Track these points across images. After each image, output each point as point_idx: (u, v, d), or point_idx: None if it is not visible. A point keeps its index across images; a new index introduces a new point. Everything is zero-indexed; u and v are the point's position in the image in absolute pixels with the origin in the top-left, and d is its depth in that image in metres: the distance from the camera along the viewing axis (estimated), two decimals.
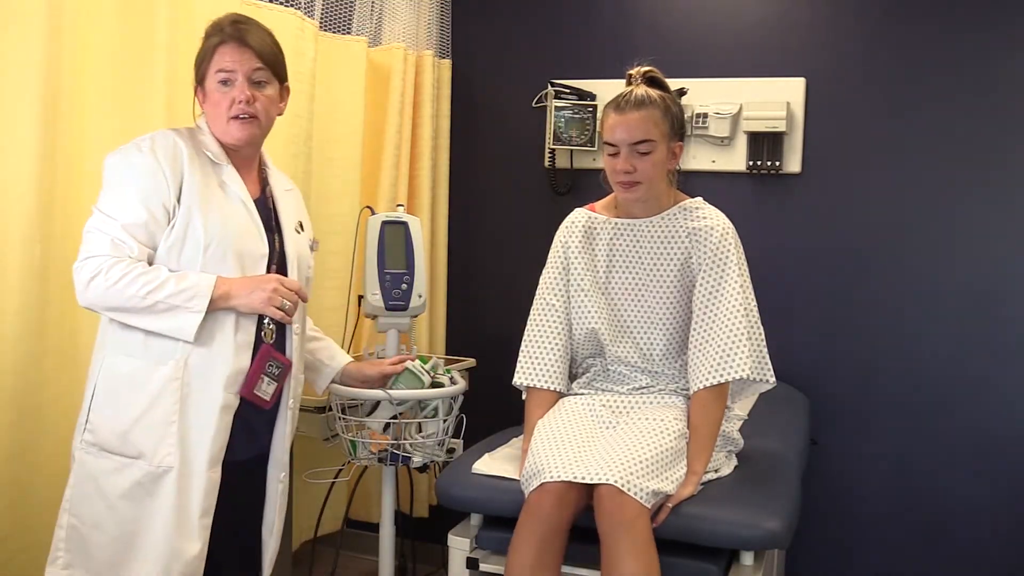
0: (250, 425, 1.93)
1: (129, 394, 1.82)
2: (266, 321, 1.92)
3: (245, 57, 1.88)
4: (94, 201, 1.87)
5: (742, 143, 2.99)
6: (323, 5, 2.87)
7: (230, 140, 1.91)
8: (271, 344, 1.93)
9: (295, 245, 2.02)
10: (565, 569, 1.93)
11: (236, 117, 1.88)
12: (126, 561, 1.81)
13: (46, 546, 1.90)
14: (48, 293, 1.99)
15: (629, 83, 2.15)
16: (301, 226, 2.09)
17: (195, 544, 1.82)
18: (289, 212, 2.04)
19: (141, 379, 1.82)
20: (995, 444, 2.82)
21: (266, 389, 1.92)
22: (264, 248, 1.93)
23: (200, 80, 1.92)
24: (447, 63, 3.34)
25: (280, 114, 2.01)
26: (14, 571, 1.97)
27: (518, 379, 2.24)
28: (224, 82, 1.88)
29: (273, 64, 1.94)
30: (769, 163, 2.96)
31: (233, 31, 1.89)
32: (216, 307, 1.82)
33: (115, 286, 1.75)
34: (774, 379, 2.14)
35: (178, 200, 1.82)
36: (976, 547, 2.86)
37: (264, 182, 2.03)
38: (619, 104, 2.10)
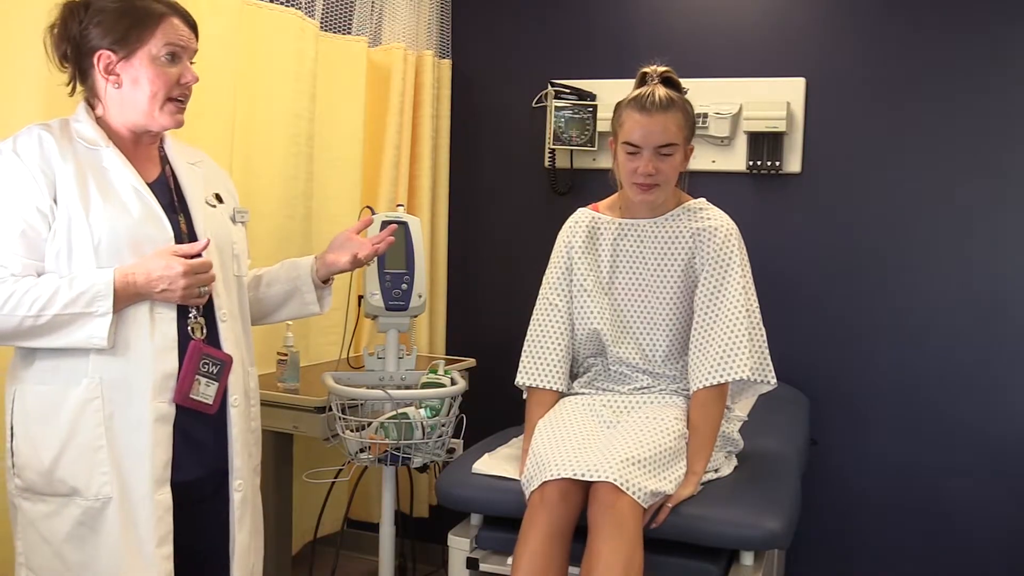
0: (194, 437, 1.71)
1: (44, 427, 1.61)
2: (191, 315, 1.71)
3: (192, 37, 1.71)
4: None
5: (742, 143, 2.99)
6: (323, 5, 2.87)
7: (155, 125, 1.70)
8: (202, 339, 1.71)
9: (209, 221, 1.78)
10: (574, 570, 1.92)
11: (175, 99, 1.69)
12: None
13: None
14: None
15: (643, 82, 2.13)
16: (219, 198, 1.85)
17: (149, 571, 1.63)
18: (195, 187, 1.79)
19: (54, 407, 1.61)
20: (995, 444, 2.82)
21: (205, 391, 1.69)
22: (167, 232, 1.69)
23: (129, 50, 1.64)
24: (447, 63, 3.34)
25: None
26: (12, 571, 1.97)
27: (521, 379, 2.24)
28: (172, 56, 1.66)
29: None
30: (769, 163, 2.96)
31: (176, 6, 1.69)
32: (125, 301, 1.61)
33: (2, 311, 1.54)
34: (775, 380, 2.13)
35: (55, 200, 1.59)
36: (976, 547, 2.86)
37: (164, 161, 1.78)
38: (643, 105, 2.06)
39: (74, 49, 1.67)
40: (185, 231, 1.73)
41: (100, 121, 1.70)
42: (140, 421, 1.63)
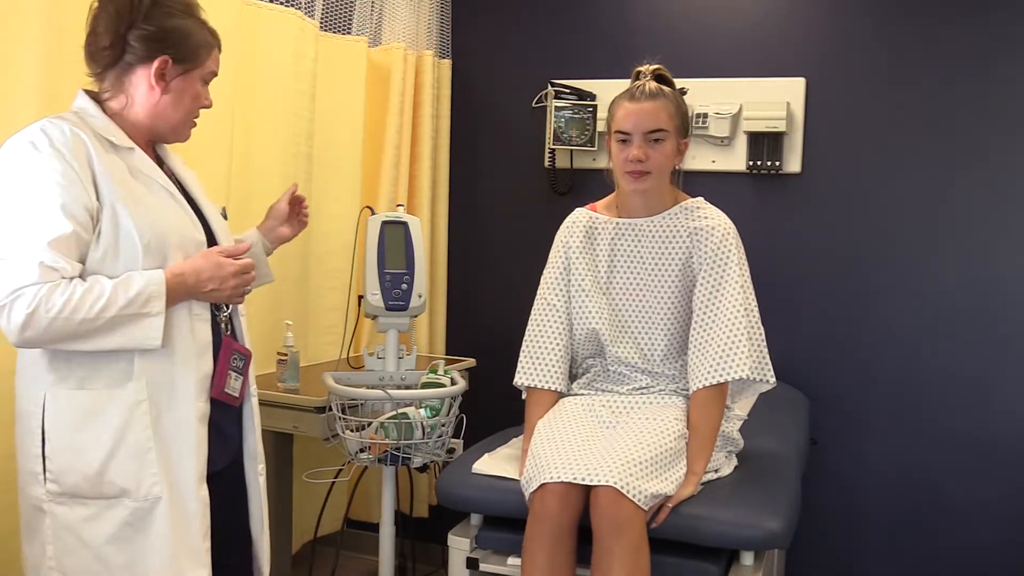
0: (222, 429, 1.77)
1: (89, 431, 1.61)
2: (221, 312, 1.77)
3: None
4: None
5: (742, 143, 2.99)
6: (323, 5, 2.87)
7: (174, 139, 1.77)
8: (229, 335, 1.78)
9: (217, 221, 1.83)
10: (576, 571, 1.93)
11: (194, 118, 1.79)
12: None
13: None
14: None
15: (637, 79, 2.15)
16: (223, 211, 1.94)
17: (201, 572, 1.68)
18: (197, 187, 1.84)
19: (97, 411, 1.61)
20: (995, 444, 2.82)
21: (234, 385, 1.77)
22: (202, 232, 1.74)
23: (188, 67, 1.70)
24: (447, 63, 3.34)
25: None
26: (17, 571, 1.97)
27: (519, 379, 2.24)
28: (204, 83, 1.77)
29: None
30: (769, 163, 2.96)
31: (217, 39, 1.79)
32: (174, 301, 1.63)
33: (60, 315, 1.51)
34: (774, 379, 2.14)
35: (98, 200, 1.58)
36: (976, 547, 2.86)
37: (159, 161, 1.79)
38: (632, 94, 2.11)
39: (125, 40, 1.66)
40: (206, 230, 1.78)
41: (115, 118, 1.70)
42: (185, 421, 1.67)
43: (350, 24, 3.01)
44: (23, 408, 1.65)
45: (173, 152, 1.87)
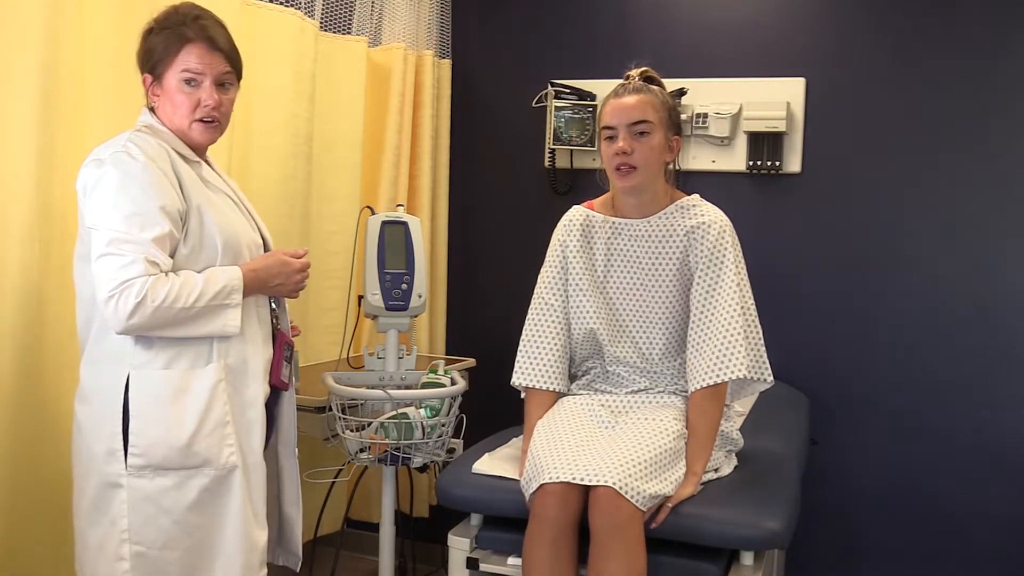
0: (271, 413, 1.98)
1: (177, 407, 1.78)
2: (273, 307, 1.98)
3: (215, 60, 1.83)
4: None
5: (742, 143, 2.99)
6: (323, 5, 2.87)
7: (191, 141, 1.87)
8: (279, 329, 2.00)
9: (265, 226, 2.05)
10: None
11: (201, 120, 1.84)
12: (203, 567, 1.82)
13: (46, 545, 1.90)
14: (47, 292, 1.98)
15: (627, 81, 2.17)
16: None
17: (264, 533, 1.90)
18: (242, 193, 2.04)
19: (182, 389, 1.79)
20: (995, 444, 2.82)
21: (286, 373, 1.99)
22: (259, 237, 1.97)
23: (157, 74, 1.83)
24: (447, 63, 3.34)
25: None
26: (14, 570, 1.97)
27: (516, 379, 2.24)
28: (189, 82, 1.81)
29: (238, 66, 1.90)
30: (769, 163, 2.96)
31: (200, 29, 1.82)
32: (247, 294, 1.85)
33: (163, 305, 1.71)
34: (772, 378, 2.14)
35: (185, 202, 1.79)
36: (976, 547, 2.86)
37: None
38: (617, 92, 2.14)
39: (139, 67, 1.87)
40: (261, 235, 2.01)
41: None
42: (254, 399, 1.88)
43: (350, 24, 3.01)
44: (98, 391, 1.79)
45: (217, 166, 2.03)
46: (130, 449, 1.76)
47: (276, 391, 2.00)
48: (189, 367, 1.80)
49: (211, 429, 1.80)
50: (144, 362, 1.78)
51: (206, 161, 1.96)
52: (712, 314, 2.10)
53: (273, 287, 1.93)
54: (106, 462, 1.77)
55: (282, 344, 1.98)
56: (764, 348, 2.14)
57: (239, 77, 1.92)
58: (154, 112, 1.88)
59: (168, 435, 1.77)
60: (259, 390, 1.89)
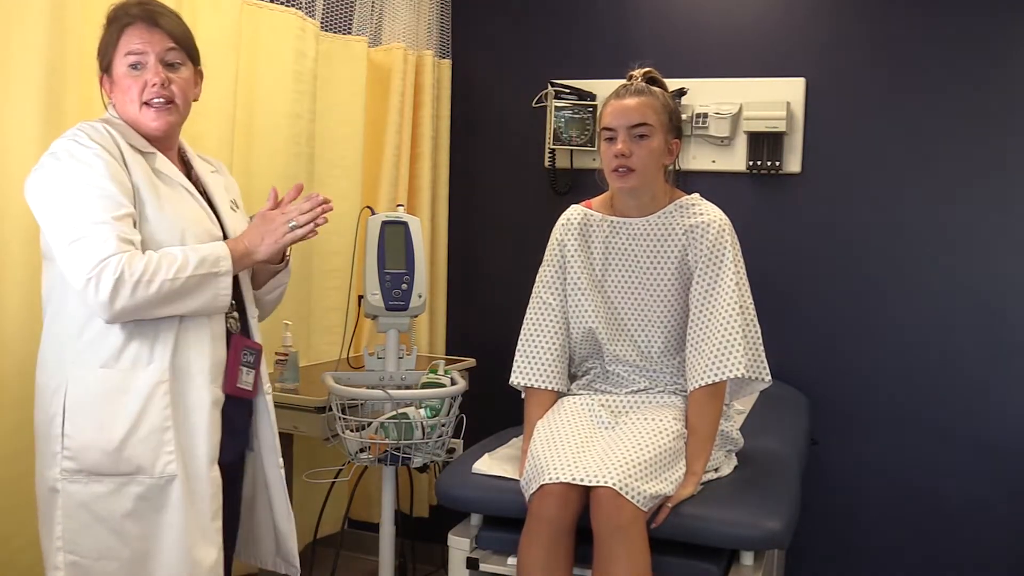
0: (234, 423, 1.86)
1: (111, 408, 1.68)
2: (230, 311, 1.83)
3: (156, 38, 1.74)
4: None
5: (742, 143, 2.99)
6: (323, 5, 2.87)
7: (146, 129, 1.77)
8: (238, 333, 1.86)
9: (234, 224, 1.90)
10: (574, 571, 1.93)
11: (149, 103, 1.74)
12: None
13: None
14: None
15: (629, 82, 2.17)
16: (236, 204, 1.97)
17: (211, 551, 1.76)
18: (220, 192, 1.92)
19: (120, 390, 1.69)
20: (995, 444, 2.82)
21: (246, 379, 1.85)
22: (218, 230, 1.83)
23: (106, 68, 1.77)
24: (447, 63, 3.34)
25: (196, 99, 1.86)
26: (16, 570, 1.97)
27: (515, 379, 2.24)
28: (134, 66, 1.73)
29: (186, 45, 1.80)
30: (769, 163, 2.96)
31: (140, 12, 1.75)
32: (241, 264, 1.79)
33: (143, 279, 1.62)
34: (770, 377, 2.14)
35: (134, 192, 1.70)
36: (976, 547, 2.86)
37: (187, 166, 1.90)
38: (619, 93, 2.13)
39: None
40: (222, 231, 1.86)
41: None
42: (200, 404, 1.75)
43: (350, 24, 3.01)
44: (45, 391, 1.73)
45: (204, 158, 1.97)
46: (63, 452, 1.68)
47: (246, 403, 1.89)
48: (130, 366, 1.69)
49: (146, 434, 1.69)
50: (84, 361, 1.70)
51: (181, 153, 1.89)
52: (711, 313, 2.10)
53: (269, 245, 1.80)
54: (47, 466, 1.71)
55: (239, 347, 1.83)
56: (762, 347, 2.14)
57: (192, 58, 1.82)
58: (115, 109, 1.81)
59: (99, 438, 1.68)
60: (205, 395, 1.75)
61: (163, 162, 1.79)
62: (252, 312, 1.92)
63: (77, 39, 2.02)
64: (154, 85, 1.73)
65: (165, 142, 1.83)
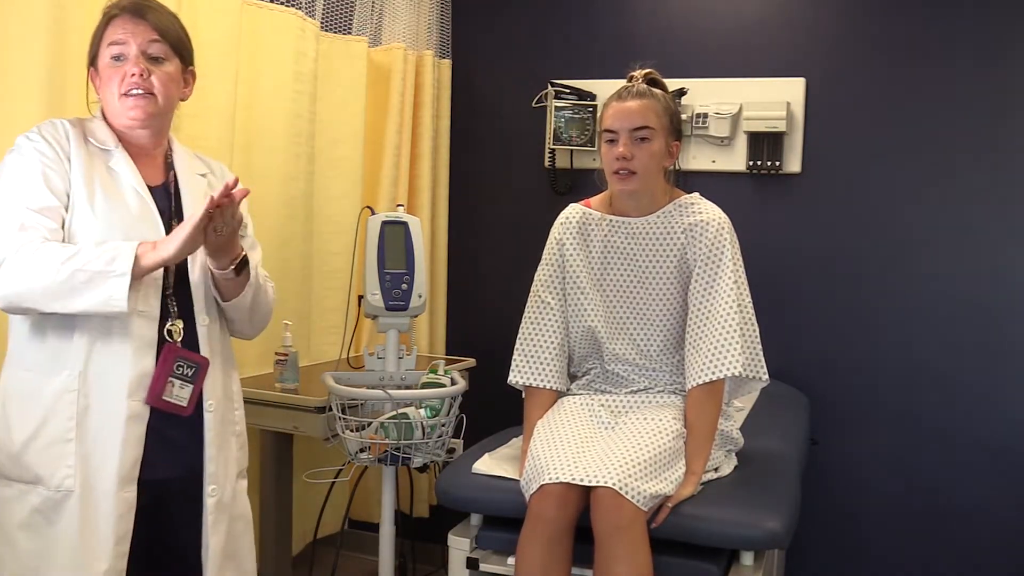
0: (168, 437, 1.71)
1: (21, 411, 1.64)
2: (170, 318, 1.72)
3: (139, 29, 1.70)
4: None
5: (742, 143, 2.99)
6: (324, 5, 2.87)
7: (125, 121, 1.72)
8: (179, 342, 1.72)
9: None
10: (574, 571, 1.93)
11: (127, 93, 1.69)
12: None
13: None
14: None
15: (630, 82, 2.17)
16: None
17: (100, 566, 1.62)
18: (195, 196, 1.80)
19: (34, 393, 1.63)
20: (995, 444, 2.82)
21: (179, 394, 1.70)
22: (160, 233, 1.71)
23: (93, 60, 1.74)
24: (447, 63, 3.34)
25: (184, 99, 1.82)
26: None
27: (514, 378, 2.24)
28: (117, 57, 1.70)
29: (173, 41, 1.75)
30: (769, 163, 2.96)
31: (128, 4, 1.72)
32: (144, 266, 1.61)
33: (27, 264, 1.55)
34: (767, 376, 2.14)
35: (69, 187, 1.66)
36: (976, 547, 2.86)
37: (169, 167, 1.82)
38: (620, 94, 2.13)
39: None
40: None
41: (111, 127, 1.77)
42: (113, 418, 1.64)
43: (350, 24, 3.01)
44: None
45: (194, 161, 1.88)
46: None
47: (190, 416, 1.73)
48: (45, 371, 1.64)
49: (47, 443, 1.62)
50: (15, 360, 1.68)
51: (167, 153, 1.82)
52: (709, 311, 2.10)
53: (173, 243, 1.61)
54: None
55: (171, 359, 1.69)
56: (760, 346, 2.14)
57: (180, 56, 1.76)
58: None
59: (7, 439, 1.64)
60: (122, 408, 1.64)
61: (119, 161, 1.72)
62: (202, 321, 1.77)
63: (78, 38, 2.01)
64: (132, 75, 1.69)
65: (145, 139, 1.77)
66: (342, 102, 2.97)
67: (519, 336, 2.27)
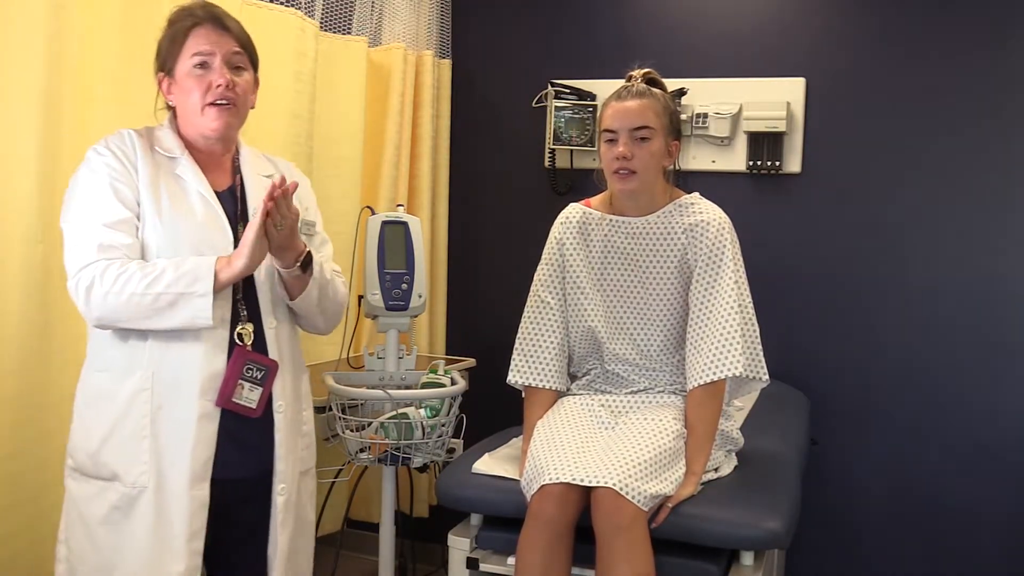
0: (240, 437, 1.77)
1: (98, 411, 1.71)
2: (240, 321, 1.77)
3: (224, 39, 1.76)
4: None
5: (742, 143, 2.99)
6: (323, 5, 2.87)
7: (205, 131, 1.77)
8: (249, 345, 1.76)
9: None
10: (574, 570, 1.93)
11: (213, 103, 1.74)
12: None
13: (48, 544, 1.90)
14: (50, 293, 1.98)
15: (629, 82, 2.17)
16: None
17: (178, 566, 1.69)
18: (260, 198, 1.78)
19: (109, 394, 1.70)
20: (996, 444, 2.82)
21: (249, 396, 1.75)
22: (228, 238, 1.77)
23: (168, 68, 1.78)
24: (447, 63, 3.34)
25: (252, 107, 1.87)
26: (17, 570, 1.97)
27: (514, 378, 2.24)
28: (201, 65, 1.74)
29: (250, 50, 1.83)
30: (769, 163, 2.96)
31: (207, 13, 1.77)
32: (222, 281, 1.68)
33: (113, 288, 1.63)
34: (768, 376, 2.14)
35: (137, 199, 1.72)
36: (975, 547, 2.86)
37: (236, 171, 1.87)
38: (620, 94, 2.13)
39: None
40: None
41: (179, 132, 1.82)
42: (185, 418, 1.69)
43: (350, 24, 3.01)
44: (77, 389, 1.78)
45: (261, 162, 1.92)
46: (69, 448, 1.76)
47: (261, 418, 1.78)
48: (120, 372, 1.70)
49: (122, 441, 1.68)
50: (92, 362, 1.75)
51: (235, 157, 1.86)
52: (710, 312, 2.10)
53: (242, 254, 1.68)
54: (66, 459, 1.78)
55: (241, 362, 1.73)
56: (761, 347, 2.14)
57: (254, 64, 1.85)
58: (173, 112, 1.82)
59: (86, 439, 1.72)
60: (194, 408, 1.69)
61: (185, 168, 1.78)
62: (270, 324, 1.82)
63: (76, 39, 2.02)
64: (219, 86, 1.74)
65: (217, 145, 1.82)
66: (342, 102, 2.97)
67: (519, 336, 2.26)
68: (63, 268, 1.95)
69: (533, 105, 3.27)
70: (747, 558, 1.99)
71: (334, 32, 2.95)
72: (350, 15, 3.01)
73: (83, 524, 1.71)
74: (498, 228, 3.36)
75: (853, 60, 2.91)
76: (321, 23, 2.84)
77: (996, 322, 2.81)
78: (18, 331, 1.93)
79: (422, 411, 2.34)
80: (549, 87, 3.18)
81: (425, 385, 2.44)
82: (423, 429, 2.33)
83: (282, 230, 1.72)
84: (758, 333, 2.15)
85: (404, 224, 2.51)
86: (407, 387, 2.50)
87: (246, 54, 1.81)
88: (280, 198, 1.68)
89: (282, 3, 2.68)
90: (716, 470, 2.14)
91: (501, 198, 3.35)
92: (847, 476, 2.97)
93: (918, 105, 2.86)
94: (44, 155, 1.94)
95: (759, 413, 2.60)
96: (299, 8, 2.71)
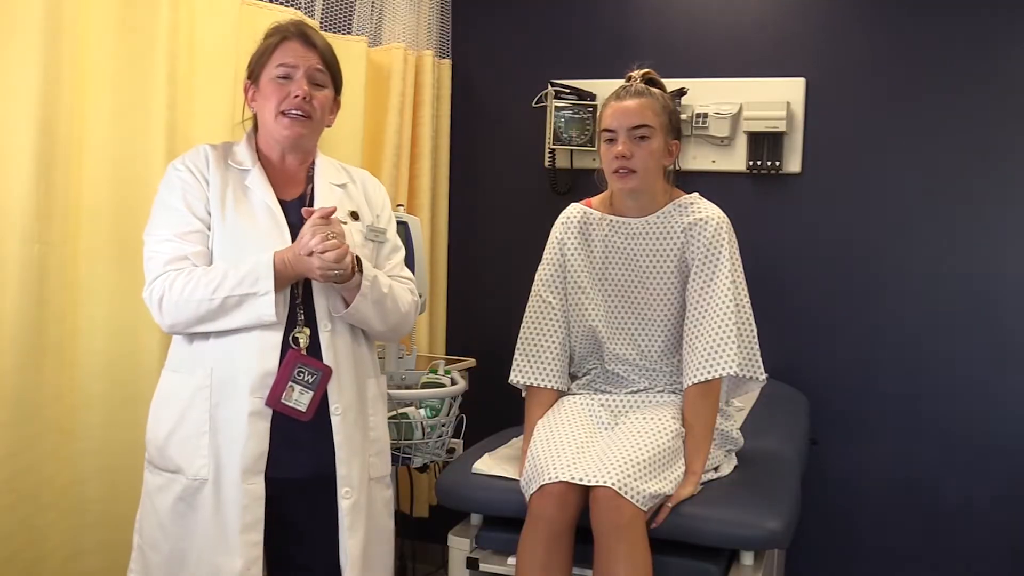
0: (293, 437, 1.79)
1: (167, 408, 1.82)
2: (298, 325, 1.81)
3: (309, 55, 1.86)
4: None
5: (742, 143, 2.99)
6: (323, 5, 2.87)
7: (277, 137, 1.86)
8: (304, 349, 1.80)
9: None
10: (574, 570, 1.93)
11: (285, 113, 1.83)
12: None
13: (47, 544, 1.90)
14: (47, 293, 1.98)
15: (628, 82, 2.18)
16: (355, 216, 1.94)
17: (235, 560, 1.74)
18: (330, 205, 1.85)
19: (176, 391, 1.82)
20: (995, 444, 2.82)
21: (299, 399, 1.78)
22: (284, 245, 1.80)
23: (256, 77, 1.88)
24: (447, 63, 3.34)
25: (330, 125, 1.95)
26: (15, 570, 1.97)
27: (515, 377, 2.24)
28: (283, 76, 1.84)
29: (334, 70, 1.92)
30: (769, 163, 2.96)
31: (297, 30, 1.88)
32: (286, 280, 1.76)
33: (182, 296, 1.73)
34: (764, 376, 2.14)
35: (208, 209, 1.82)
36: (975, 547, 2.86)
37: (309, 180, 1.93)
38: (619, 94, 2.14)
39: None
40: None
41: (257, 144, 1.91)
42: (238, 414, 1.76)
43: (350, 24, 3.01)
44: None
45: (335, 171, 1.98)
46: (145, 441, 1.87)
47: (312, 421, 1.79)
48: (186, 370, 1.81)
49: (185, 436, 1.78)
50: (167, 363, 1.86)
51: (309, 168, 1.92)
52: (706, 310, 2.10)
53: (307, 265, 1.73)
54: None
55: (292, 364, 1.77)
56: (758, 346, 2.14)
57: (336, 85, 1.92)
58: (255, 124, 1.91)
59: (155, 433, 1.83)
60: (245, 405, 1.75)
61: (254, 178, 1.86)
62: (324, 328, 1.83)
63: (72, 37, 2.01)
64: (296, 96, 1.82)
65: (289, 155, 1.90)
66: (342, 102, 2.96)
67: (520, 335, 2.26)
68: (60, 267, 1.97)
69: (533, 105, 3.27)
70: (747, 558, 1.99)
71: (334, 32, 2.95)
72: (350, 15, 3.01)
73: (155, 513, 1.81)
74: (498, 228, 3.36)
75: (853, 60, 2.91)
76: (321, 23, 2.84)
77: (997, 321, 2.81)
78: (14, 331, 1.93)
79: (422, 411, 2.34)
80: (549, 87, 3.18)
81: (425, 385, 2.44)
82: (423, 429, 2.33)
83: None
84: (755, 332, 2.15)
85: (404, 224, 2.51)
86: (407, 387, 2.50)
87: (329, 73, 1.89)
88: (320, 225, 1.75)
89: (281, 3, 2.68)
90: (716, 470, 2.14)
91: (501, 198, 3.35)
92: (847, 476, 2.97)
93: (918, 105, 2.86)
94: (41, 155, 1.94)
95: (759, 413, 2.60)
96: (299, 8, 2.71)
